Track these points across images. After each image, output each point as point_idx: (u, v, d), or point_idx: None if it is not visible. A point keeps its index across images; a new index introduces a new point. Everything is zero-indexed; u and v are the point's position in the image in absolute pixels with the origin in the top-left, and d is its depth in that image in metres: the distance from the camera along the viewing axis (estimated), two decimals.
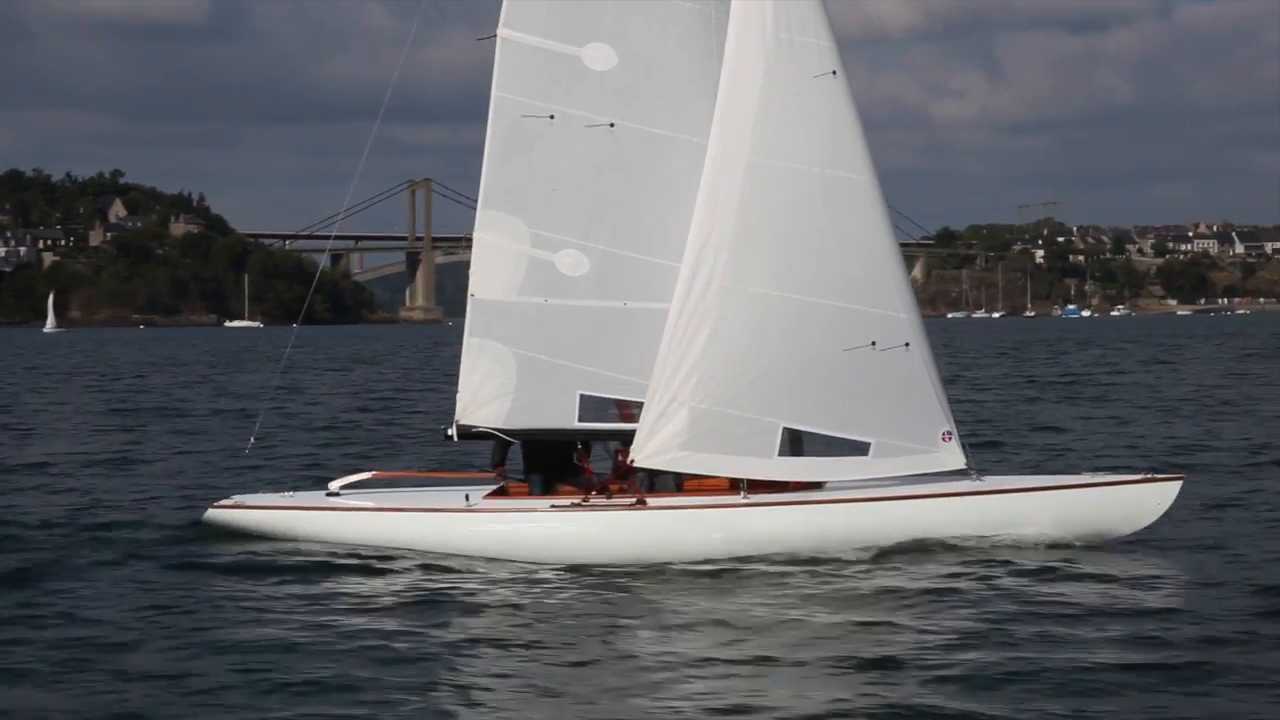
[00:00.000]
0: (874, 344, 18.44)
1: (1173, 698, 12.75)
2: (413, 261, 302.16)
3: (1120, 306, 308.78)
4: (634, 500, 18.47)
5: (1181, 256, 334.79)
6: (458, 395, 19.10)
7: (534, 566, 18.03)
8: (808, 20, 18.40)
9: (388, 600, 16.64)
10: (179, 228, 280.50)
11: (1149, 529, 18.83)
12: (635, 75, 18.81)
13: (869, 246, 18.53)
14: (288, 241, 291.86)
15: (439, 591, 17.01)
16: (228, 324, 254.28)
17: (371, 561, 18.28)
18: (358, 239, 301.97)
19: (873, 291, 18.50)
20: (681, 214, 18.58)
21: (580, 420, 19.02)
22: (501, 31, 18.77)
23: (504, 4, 18.76)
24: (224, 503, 19.64)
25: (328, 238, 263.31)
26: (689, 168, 18.64)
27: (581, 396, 18.98)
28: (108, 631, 15.30)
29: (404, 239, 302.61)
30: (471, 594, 16.94)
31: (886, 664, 13.73)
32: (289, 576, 17.74)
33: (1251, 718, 12.27)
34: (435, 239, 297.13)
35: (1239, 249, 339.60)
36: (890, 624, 15.20)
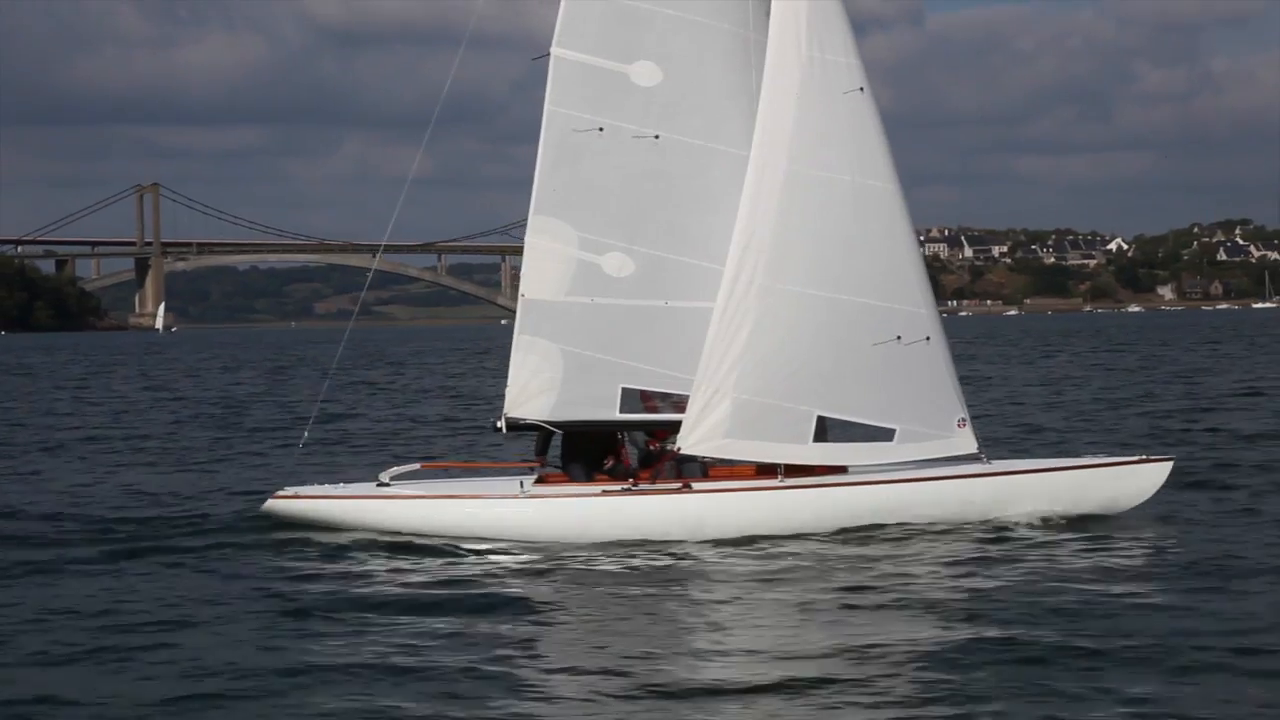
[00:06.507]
0: (899, 338, 20.13)
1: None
2: (142, 268, 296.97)
3: None
4: (679, 486, 19.93)
5: None
6: (507, 389, 20.33)
7: (591, 549, 19.33)
8: (837, 42, 20.04)
9: (449, 586, 17.64)
10: None
11: (1141, 505, 20.77)
12: (679, 91, 20.21)
13: (894, 247, 20.27)
14: (19, 247, 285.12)
15: (500, 579, 18.07)
16: None
17: (438, 547, 19.46)
18: (93, 244, 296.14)
19: (898, 289, 20.21)
20: (720, 219, 20.09)
21: (620, 412, 20.41)
22: (555, 50, 20.06)
23: (557, 24, 20.02)
24: (283, 493, 20.57)
25: (57, 243, 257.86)
26: (727, 176, 20.15)
27: (623, 390, 20.36)
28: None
29: (133, 244, 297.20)
30: (540, 578, 18.13)
31: (906, 638, 14.58)
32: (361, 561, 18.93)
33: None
34: (165, 245, 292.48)
35: (968, 252, 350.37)
36: (919, 599, 16.37)
